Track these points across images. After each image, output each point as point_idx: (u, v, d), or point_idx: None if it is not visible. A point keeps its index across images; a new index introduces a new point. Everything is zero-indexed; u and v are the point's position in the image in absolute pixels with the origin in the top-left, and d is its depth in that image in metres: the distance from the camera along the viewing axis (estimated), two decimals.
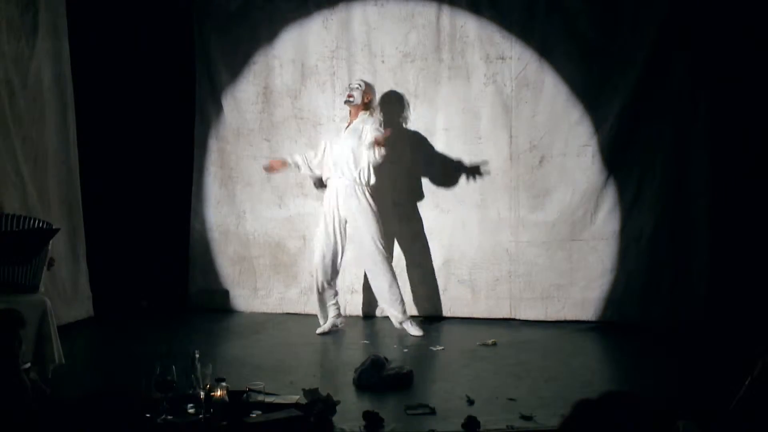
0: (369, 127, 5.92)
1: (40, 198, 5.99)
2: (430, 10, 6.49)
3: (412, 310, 6.59)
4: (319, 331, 6.06)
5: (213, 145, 6.91)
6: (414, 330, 6.00)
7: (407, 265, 6.61)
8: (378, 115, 6.23)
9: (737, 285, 5.95)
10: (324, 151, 6.10)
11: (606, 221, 6.29)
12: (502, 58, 6.40)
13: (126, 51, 6.78)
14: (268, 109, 6.76)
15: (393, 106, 6.46)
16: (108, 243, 6.72)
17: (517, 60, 6.38)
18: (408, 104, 6.52)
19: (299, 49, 6.67)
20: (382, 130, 5.95)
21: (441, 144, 6.53)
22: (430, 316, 6.58)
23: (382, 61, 6.57)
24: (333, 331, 6.08)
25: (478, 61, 6.43)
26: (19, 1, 5.88)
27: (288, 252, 6.78)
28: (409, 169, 6.60)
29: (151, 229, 6.89)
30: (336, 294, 6.12)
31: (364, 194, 5.96)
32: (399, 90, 6.54)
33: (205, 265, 6.96)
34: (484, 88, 6.44)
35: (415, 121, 6.56)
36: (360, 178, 5.93)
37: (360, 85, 6.04)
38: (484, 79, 6.44)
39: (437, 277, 6.59)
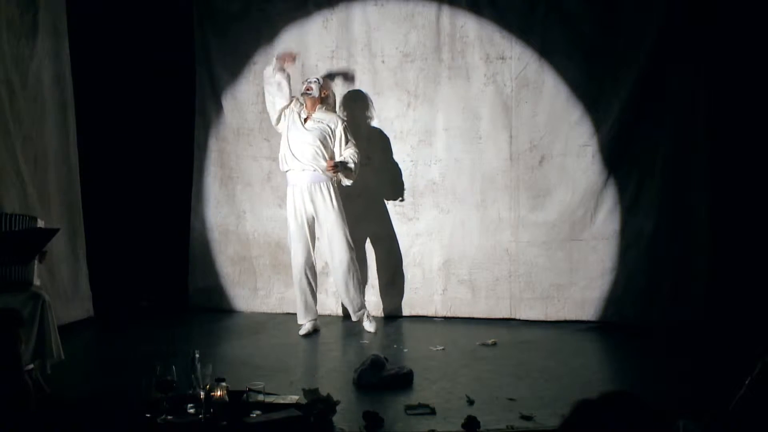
0: (338, 129, 6.03)
1: (40, 198, 5.98)
2: (430, 10, 6.49)
3: (412, 310, 6.62)
4: (303, 332, 6.07)
5: (213, 146, 6.91)
6: (369, 326, 6.08)
7: (407, 265, 6.61)
8: (341, 114, 6.30)
9: (737, 285, 5.95)
10: (282, 111, 6.10)
11: (606, 221, 6.29)
12: (502, 58, 6.40)
13: (126, 51, 6.78)
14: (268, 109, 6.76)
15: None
16: (108, 243, 6.72)
17: (517, 60, 6.38)
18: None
19: (299, 49, 6.66)
20: (349, 133, 6.09)
21: (441, 144, 6.54)
22: (429, 316, 6.59)
23: (382, 61, 6.57)
24: (315, 332, 6.12)
25: (478, 61, 6.44)
26: (19, 1, 5.88)
27: (288, 252, 6.74)
28: (408, 169, 6.61)
29: (151, 229, 6.89)
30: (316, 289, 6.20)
31: (329, 189, 6.00)
32: (399, 90, 6.55)
33: (205, 265, 6.96)
34: (484, 88, 6.45)
35: (415, 122, 6.57)
36: (325, 173, 5.98)
37: (318, 80, 6.13)
38: (484, 79, 6.44)
39: (437, 277, 6.59)
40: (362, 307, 6.14)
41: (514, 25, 6.37)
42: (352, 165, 6.02)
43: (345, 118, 6.26)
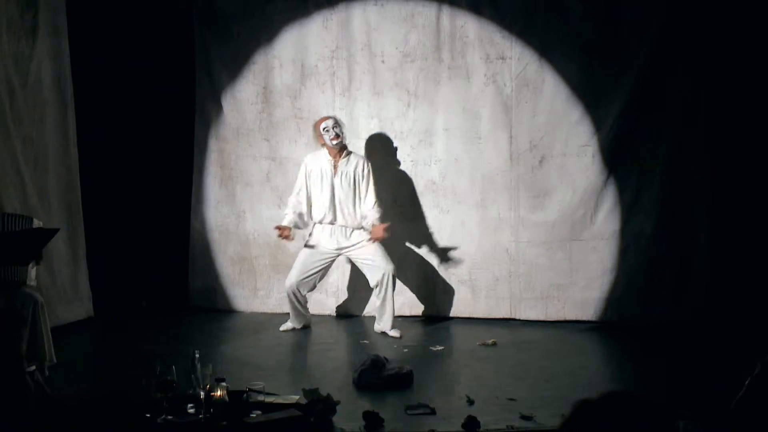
0: (367, 173, 5.98)
1: (40, 198, 5.98)
2: (430, 10, 6.49)
3: (412, 310, 6.61)
4: (283, 328, 6.14)
5: (213, 145, 6.91)
6: (395, 332, 6.02)
7: (407, 265, 6.61)
8: (360, 156, 6.16)
9: (737, 285, 5.96)
10: (307, 194, 6.04)
11: (606, 221, 6.29)
12: (502, 58, 6.40)
13: (126, 51, 6.78)
14: (267, 109, 6.76)
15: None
16: (108, 243, 6.72)
17: (517, 60, 6.38)
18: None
19: (299, 49, 6.67)
20: (370, 174, 6.00)
21: (441, 144, 6.54)
22: (430, 316, 6.59)
23: (382, 61, 6.57)
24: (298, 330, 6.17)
25: (478, 61, 6.44)
26: (19, 1, 5.87)
27: (288, 252, 6.76)
28: (408, 169, 6.61)
29: (151, 229, 6.89)
30: (307, 301, 6.19)
31: (365, 232, 5.98)
32: (399, 90, 6.55)
33: (205, 265, 6.95)
34: (484, 88, 6.45)
35: (415, 122, 6.57)
36: (361, 220, 5.98)
37: (337, 123, 6.01)
38: (484, 79, 6.44)
39: (437, 277, 6.59)
40: (389, 324, 6.06)
41: (514, 25, 6.37)
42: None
43: (366, 160, 6.11)
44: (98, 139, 6.68)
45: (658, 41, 6.09)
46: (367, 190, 6.00)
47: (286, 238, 5.99)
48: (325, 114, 6.37)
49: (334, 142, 5.94)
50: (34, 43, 5.98)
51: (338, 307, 6.74)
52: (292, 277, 6.04)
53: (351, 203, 5.98)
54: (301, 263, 6.05)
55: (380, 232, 5.85)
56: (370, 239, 5.88)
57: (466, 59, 6.46)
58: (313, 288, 6.14)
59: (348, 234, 6.01)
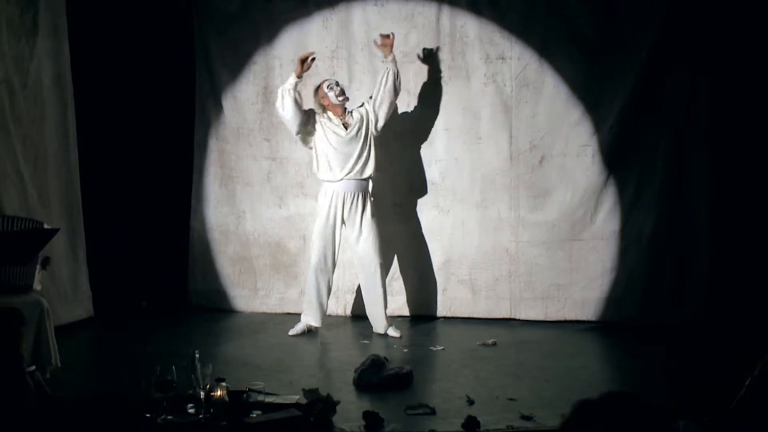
0: (367, 108, 5.97)
1: (40, 198, 5.98)
2: (430, 10, 6.50)
3: (412, 310, 6.61)
4: (293, 332, 6.01)
5: (213, 145, 6.91)
6: (394, 332, 5.98)
7: (407, 265, 6.61)
8: (357, 107, 6.11)
9: (737, 285, 5.96)
10: (309, 119, 5.90)
11: (606, 221, 6.29)
12: (502, 58, 6.40)
13: (126, 51, 6.78)
14: (268, 109, 6.75)
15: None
16: (108, 243, 6.71)
17: (517, 60, 6.38)
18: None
19: (299, 49, 6.65)
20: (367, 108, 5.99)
21: (441, 144, 6.54)
22: (430, 316, 6.59)
23: (382, 61, 6.55)
24: (307, 333, 6.05)
25: (478, 61, 6.44)
26: (19, 1, 5.87)
27: (288, 252, 6.78)
28: (408, 169, 6.61)
29: (150, 229, 6.88)
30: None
31: (369, 200, 5.95)
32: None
33: (205, 265, 6.95)
34: (484, 88, 6.45)
35: (415, 121, 6.57)
36: (368, 183, 5.94)
37: (338, 83, 5.99)
38: (484, 79, 6.44)
39: (437, 277, 6.59)
40: (386, 320, 6.02)
41: (514, 25, 6.37)
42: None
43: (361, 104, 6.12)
44: (98, 139, 6.68)
45: (658, 42, 6.09)
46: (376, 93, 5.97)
47: (307, 58, 5.82)
48: None
49: (341, 98, 5.88)
50: (34, 43, 5.97)
51: (341, 307, 6.72)
52: (317, 255, 5.93)
53: (360, 159, 5.88)
54: (319, 238, 5.92)
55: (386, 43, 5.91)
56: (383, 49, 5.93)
57: (466, 59, 6.46)
58: (332, 273, 6.04)
59: (357, 198, 5.87)
